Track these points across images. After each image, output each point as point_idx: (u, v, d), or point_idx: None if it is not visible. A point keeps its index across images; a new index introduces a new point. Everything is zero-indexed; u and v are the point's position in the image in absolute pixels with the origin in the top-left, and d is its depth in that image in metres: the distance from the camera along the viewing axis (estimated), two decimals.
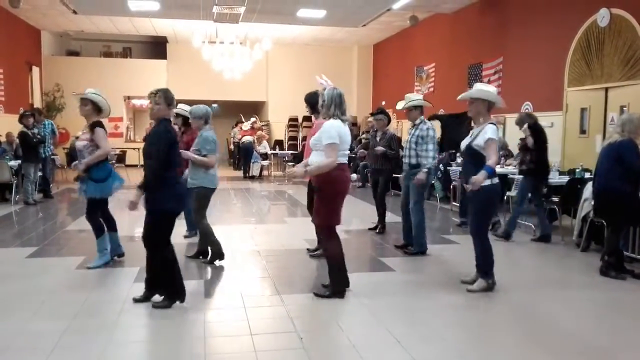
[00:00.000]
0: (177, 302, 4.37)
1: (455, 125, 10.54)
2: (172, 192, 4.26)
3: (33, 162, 9.87)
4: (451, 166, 9.85)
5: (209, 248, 5.78)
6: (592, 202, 5.94)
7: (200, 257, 5.90)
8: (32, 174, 9.88)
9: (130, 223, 7.32)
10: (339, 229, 4.73)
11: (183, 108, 6.53)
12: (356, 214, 7.74)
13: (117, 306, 4.44)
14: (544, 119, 9.98)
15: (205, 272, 5.50)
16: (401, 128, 15.95)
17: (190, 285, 5.02)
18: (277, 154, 16.85)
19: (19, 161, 10.00)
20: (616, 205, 5.37)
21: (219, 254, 5.72)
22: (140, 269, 5.47)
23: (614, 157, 5.33)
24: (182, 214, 6.09)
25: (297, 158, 16.22)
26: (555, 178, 7.66)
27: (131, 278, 5.19)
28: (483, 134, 4.73)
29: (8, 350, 3.56)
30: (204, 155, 5.53)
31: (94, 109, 5.41)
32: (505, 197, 8.30)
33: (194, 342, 3.72)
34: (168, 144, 4.21)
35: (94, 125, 5.35)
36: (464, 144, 4.97)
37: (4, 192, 10.25)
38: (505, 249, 6.84)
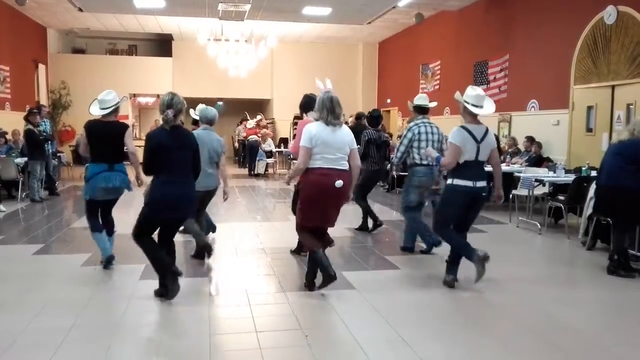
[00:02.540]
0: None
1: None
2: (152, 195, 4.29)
3: (39, 160, 9.90)
4: None
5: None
6: (594, 199, 5.91)
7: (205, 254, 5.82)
8: (39, 171, 9.91)
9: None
10: (341, 227, 4.74)
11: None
12: (358, 213, 7.70)
13: (123, 303, 4.46)
14: (550, 117, 9.98)
15: (210, 270, 5.51)
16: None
17: (196, 282, 5.05)
18: (282, 151, 16.85)
19: (25, 158, 10.05)
20: (627, 203, 5.32)
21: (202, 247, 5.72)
22: (145, 266, 5.50)
23: (627, 155, 5.28)
24: None
25: None
26: (561, 176, 7.64)
27: (137, 275, 5.21)
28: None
29: (14, 347, 3.57)
30: None
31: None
32: (510, 196, 8.31)
33: (199, 339, 3.73)
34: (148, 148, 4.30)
35: None
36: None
37: (11, 190, 10.30)
38: (511, 246, 6.83)
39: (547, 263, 6.21)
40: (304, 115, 5.83)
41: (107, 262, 5.44)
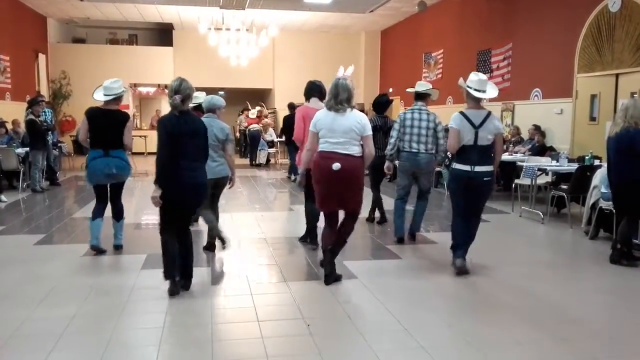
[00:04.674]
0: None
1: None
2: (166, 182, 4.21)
3: (40, 150, 9.90)
4: None
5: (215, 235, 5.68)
6: (604, 192, 5.88)
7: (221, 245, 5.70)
8: (40, 161, 9.90)
9: (137, 211, 7.34)
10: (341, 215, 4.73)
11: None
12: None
13: (124, 293, 4.45)
14: (554, 106, 9.92)
15: (212, 260, 5.50)
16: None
17: (198, 272, 5.01)
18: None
19: (26, 149, 10.03)
20: (635, 196, 5.27)
21: (218, 239, 5.62)
22: (147, 256, 5.50)
23: (626, 148, 5.22)
24: None
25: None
26: (564, 165, 7.60)
27: (138, 265, 5.20)
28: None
29: (16, 336, 3.57)
30: None
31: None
32: (513, 185, 8.31)
33: (201, 328, 3.73)
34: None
35: None
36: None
37: (12, 180, 10.29)
38: (513, 236, 6.81)
39: (550, 252, 6.19)
40: (307, 102, 5.81)
41: (93, 249, 5.55)
